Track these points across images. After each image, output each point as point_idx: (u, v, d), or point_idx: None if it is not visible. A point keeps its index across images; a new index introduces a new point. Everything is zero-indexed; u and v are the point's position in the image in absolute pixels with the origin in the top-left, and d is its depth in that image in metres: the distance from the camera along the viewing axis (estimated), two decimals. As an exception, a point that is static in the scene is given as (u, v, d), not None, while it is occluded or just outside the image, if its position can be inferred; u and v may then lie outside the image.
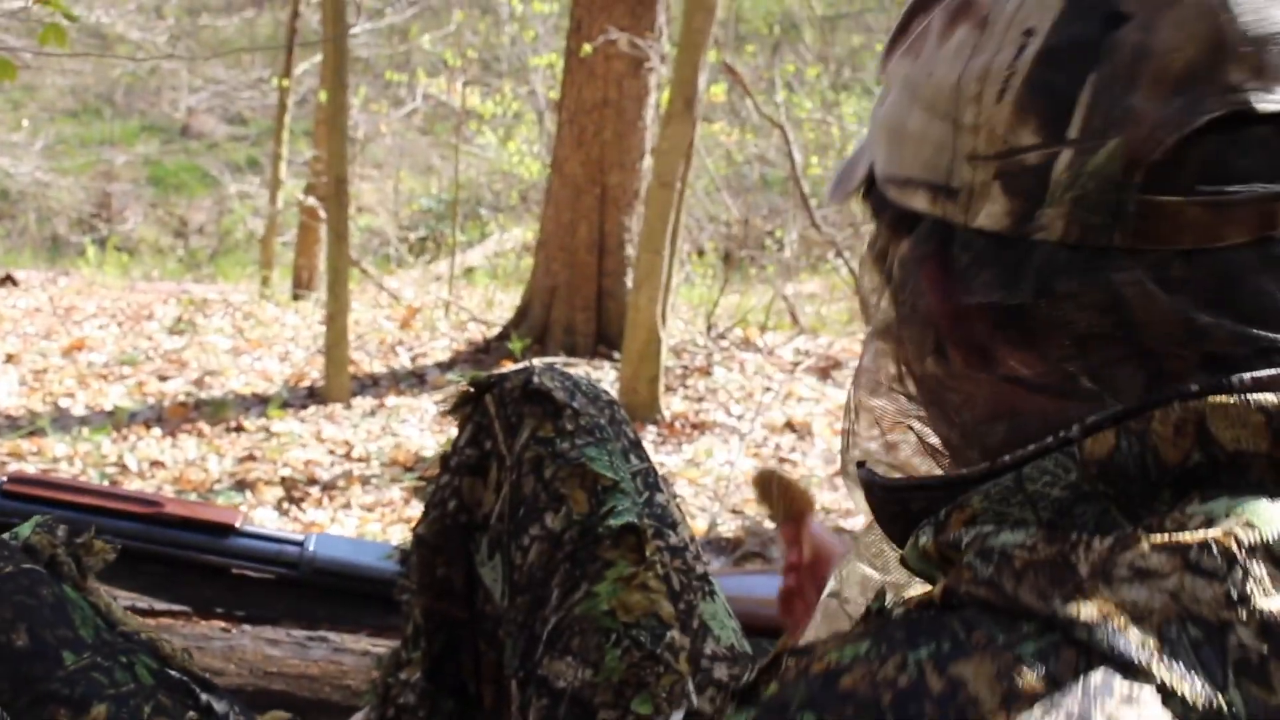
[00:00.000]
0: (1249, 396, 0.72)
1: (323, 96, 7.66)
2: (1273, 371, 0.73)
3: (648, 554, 1.27)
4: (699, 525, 3.78)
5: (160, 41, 12.77)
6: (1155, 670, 0.62)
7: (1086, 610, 0.65)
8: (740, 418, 5.38)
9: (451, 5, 12.75)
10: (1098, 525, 0.71)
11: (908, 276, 0.84)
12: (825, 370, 6.30)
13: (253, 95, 14.69)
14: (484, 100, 11.49)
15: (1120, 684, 0.62)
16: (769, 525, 3.96)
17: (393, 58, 12.68)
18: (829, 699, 0.65)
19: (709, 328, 7.25)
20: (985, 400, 0.82)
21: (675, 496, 1.38)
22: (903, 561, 0.84)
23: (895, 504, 0.84)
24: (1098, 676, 0.62)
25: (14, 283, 7.99)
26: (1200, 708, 0.61)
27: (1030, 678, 0.63)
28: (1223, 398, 0.72)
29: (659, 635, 1.22)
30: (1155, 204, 0.75)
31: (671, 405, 5.47)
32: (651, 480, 1.35)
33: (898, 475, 0.89)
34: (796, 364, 6.42)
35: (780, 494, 1.33)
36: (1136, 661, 0.62)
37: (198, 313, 7.17)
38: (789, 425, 5.26)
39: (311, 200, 8.88)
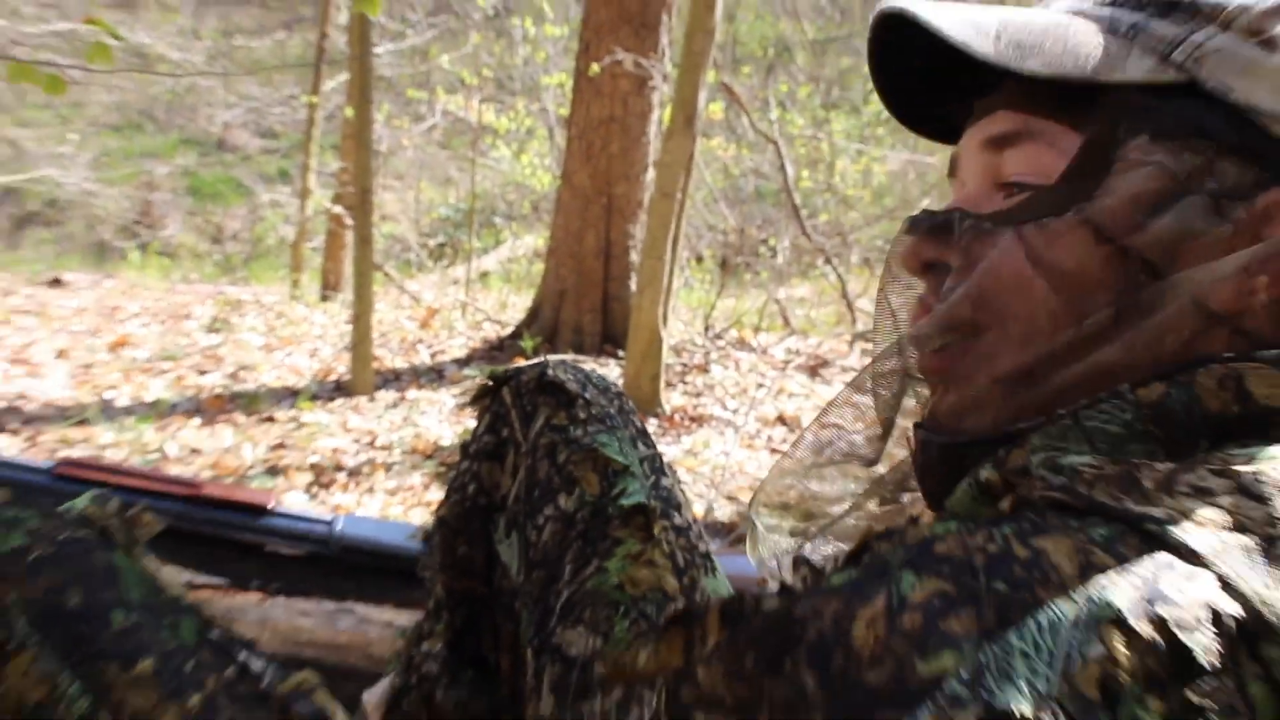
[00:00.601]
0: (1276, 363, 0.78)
1: (349, 112, 7.66)
2: None
3: (655, 533, 1.27)
4: (697, 510, 3.78)
5: (198, 61, 12.77)
6: (1214, 562, 0.65)
7: (1156, 510, 0.68)
8: (735, 412, 5.38)
9: (468, 28, 12.74)
10: (1150, 458, 0.75)
11: (1127, 207, 0.83)
12: (814, 368, 6.30)
13: (284, 111, 14.69)
14: (499, 116, 11.49)
15: (1182, 566, 0.65)
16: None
17: (414, 76, 12.67)
18: (927, 560, 0.68)
19: (706, 328, 7.25)
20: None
21: (679, 481, 1.38)
22: (943, 511, 0.87)
23: (952, 460, 0.87)
24: (1163, 557, 0.65)
25: (63, 284, 7.99)
26: (1255, 601, 0.64)
27: (1102, 555, 0.66)
28: (1258, 364, 0.78)
29: (664, 608, 1.22)
30: None
31: (671, 400, 5.47)
32: (657, 465, 1.35)
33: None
34: (787, 362, 6.42)
35: None
36: (1200, 553, 0.65)
37: (233, 312, 7.17)
38: (780, 419, 5.26)
39: (338, 209, 8.88)
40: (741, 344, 6.87)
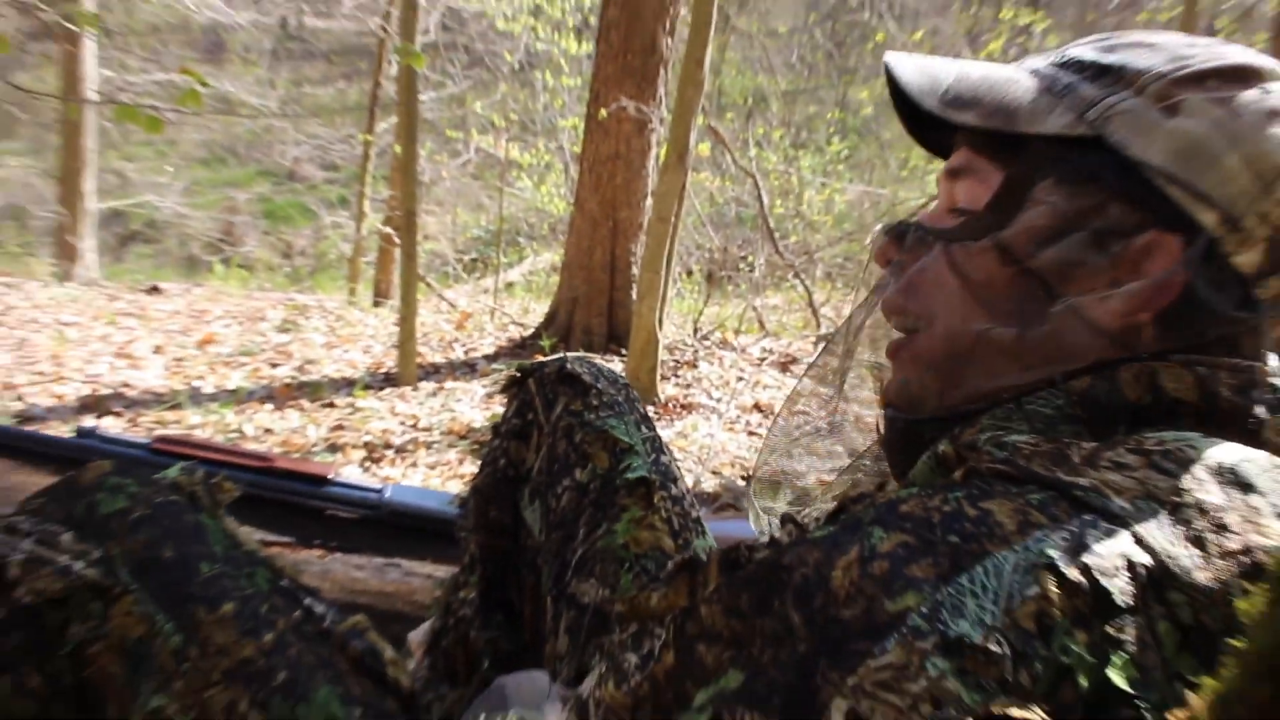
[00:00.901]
0: (1184, 363, 0.80)
1: (397, 149, 7.65)
2: (1193, 356, 0.81)
3: (655, 501, 1.27)
4: (688, 482, 3.77)
5: (273, 105, 12.77)
6: (1130, 522, 0.67)
7: (1082, 480, 0.70)
8: (719, 401, 5.37)
9: (498, 79, 12.74)
10: (1077, 438, 0.76)
11: (1169, 269, 0.84)
12: (785, 364, 6.29)
13: (343, 148, 14.67)
14: (523, 153, 11.49)
15: (1104, 524, 0.67)
16: (740, 483, 3.95)
17: (452, 119, 12.67)
18: (892, 517, 0.69)
19: (695, 331, 7.24)
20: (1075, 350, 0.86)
21: (674, 459, 1.38)
22: (908, 482, 0.87)
23: (913, 434, 0.89)
24: (1088, 518, 0.67)
25: (160, 291, 7.98)
26: (1161, 554, 0.65)
27: (1038, 514, 0.67)
28: (1168, 363, 0.81)
29: (662, 563, 1.22)
30: None
31: (665, 391, 5.46)
32: (657, 445, 1.35)
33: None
34: (762, 359, 6.41)
35: None
36: (1117, 514, 0.67)
37: (300, 315, 7.16)
38: (756, 406, 5.25)
39: (388, 229, 8.88)
40: (724, 344, 6.86)
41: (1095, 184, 0.85)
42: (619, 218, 6.51)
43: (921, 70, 0.93)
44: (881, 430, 0.96)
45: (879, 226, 0.99)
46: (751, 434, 4.75)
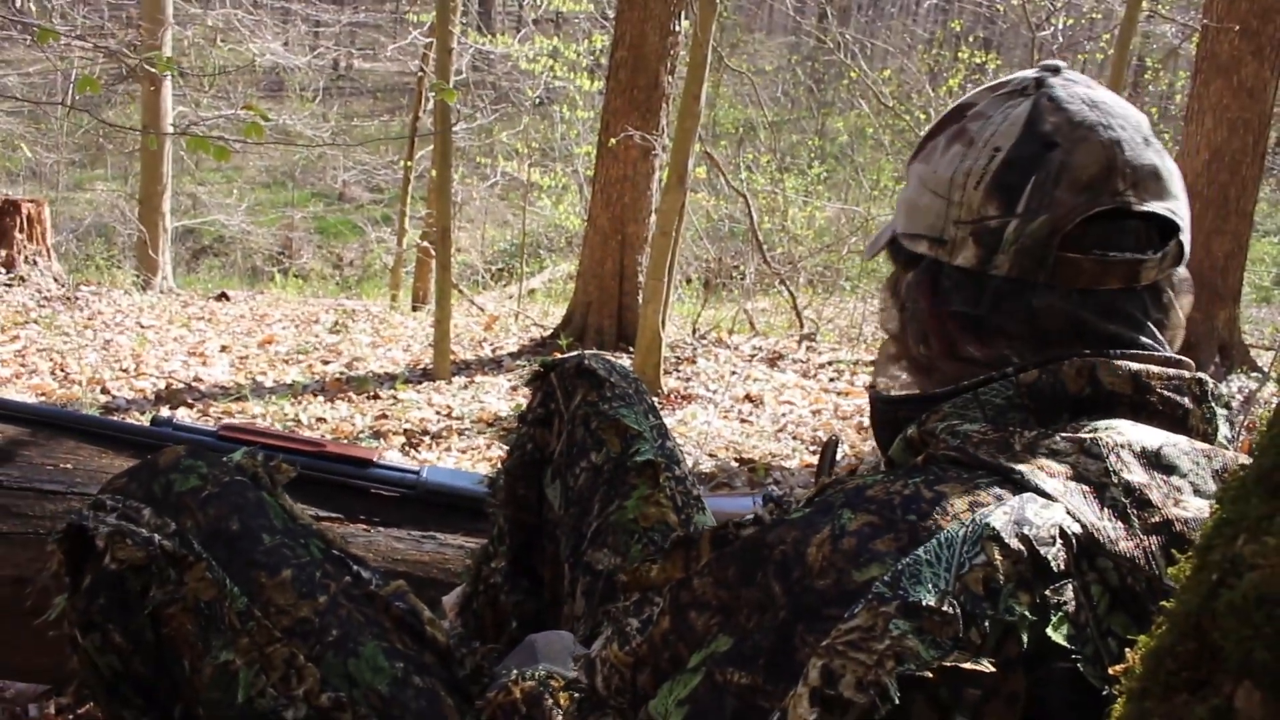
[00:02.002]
0: (1120, 360, 0.81)
1: (434, 173, 7.64)
2: (1128, 351, 0.83)
3: (661, 481, 1.27)
4: (688, 464, 3.76)
5: (325, 136, 12.77)
6: (1063, 499, 0.69)
7: (1020, 466, 0.72)
8: (715, 392, 5.36)
9: (522, 112, 12.74)
10: (1023, 425, 0.79)
11: (911, 295, 0.92)
12: (772, 361, 6.28)
13: (387, 172, 14.68)
14: (543, 176, 11.49)
15: (1041, 500, 0.69)
16: (733, 464, 3.94)
17: (481, 147, 12.66)
18: (859, 500, 0.71)
19: (694, 331, 7.23)
20: (951, 371, 0.89)
21: (677, 443, 1.37)
22: (888, 460, 0.91)
23: (890, 413, 0.91)
24: (1028, 495, 0.69)
25: (227, 298, 7.98)
26: (1089, 526, 0.68)
27: (985, 494, 0.70)
28: (1105, 358, 0.81)
29: (667, 535, 1.22)
30: (1066, 258, 0.84)
31: (668, 383, 5.45)
32: (663, 432, 1.35)
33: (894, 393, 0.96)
34: (753, 356, 6.40)
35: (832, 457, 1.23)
36: (1052, 493, 0.69)
37: (348, 319, 7.16)
38: (748, 397, 5.24)
39: (425, 243, 8.87)
40: (719, 343, 6.85)
41: (893, 255, 0.97)
42: (627, 232, 6.51)
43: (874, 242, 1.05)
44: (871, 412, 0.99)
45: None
46: (744, 421, 4.74)
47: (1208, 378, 0.85)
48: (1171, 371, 0.83)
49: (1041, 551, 0.65)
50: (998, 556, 0.65)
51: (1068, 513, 0.68)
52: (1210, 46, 6.10)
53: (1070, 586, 0.65)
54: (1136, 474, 0.72)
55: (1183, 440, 0.76)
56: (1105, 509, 0.69)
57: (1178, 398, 0.81)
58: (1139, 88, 12.73)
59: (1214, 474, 0.74)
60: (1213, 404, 0.83)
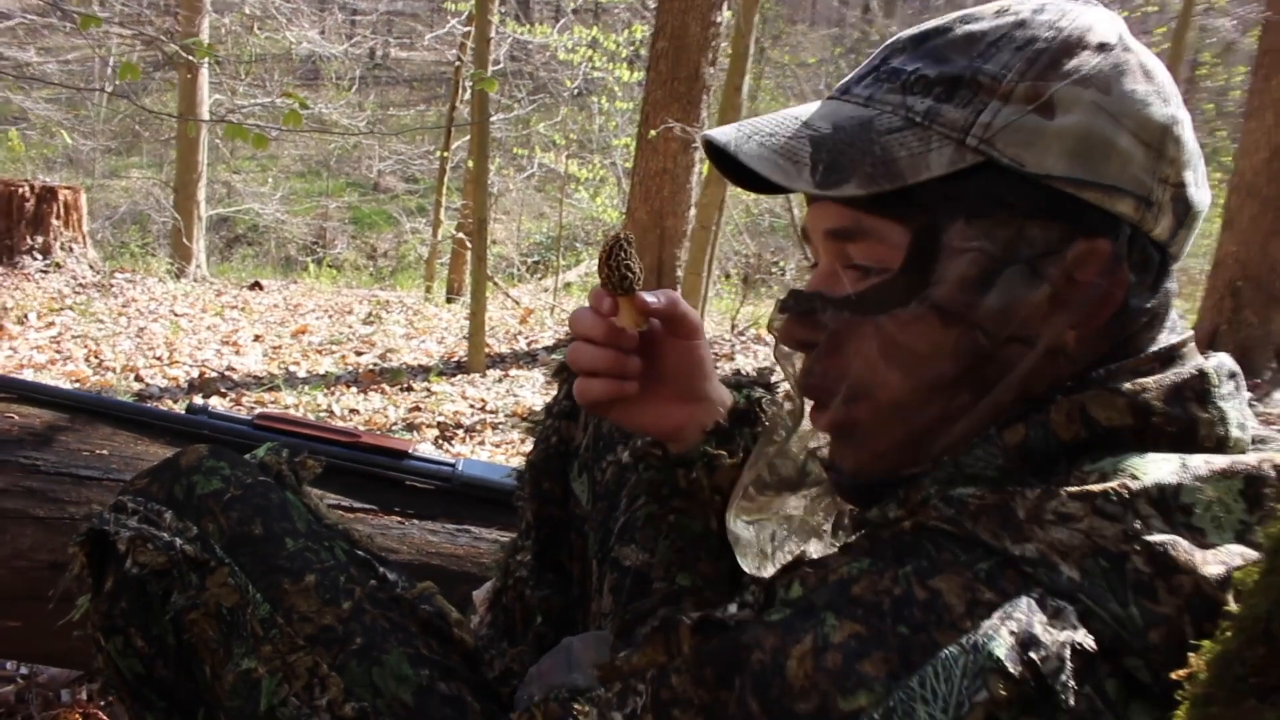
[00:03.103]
0: (1112, 387, 0.72)
1: (470, 164, 7.68)
2: (1124, 365, 0.74)
3: None
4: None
5: (361, 125, 12.86)
6: (1078, 595, 0.62)
7: (1029, 550, 0.64)
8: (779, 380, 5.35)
9: (560, 103, 12.76)
10: (1023, 483, 0.69)
11: (1104, 272, 0.74)
12: (811, 358, 6.26)
13: (423, 162, 14.77)
14: (580, 168, 11.50)
15: (1051, 603, 0.61)
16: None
17: (518, 138, 12.71)
18: (844, 603, 0.65)
19: (733, 327, 7.21)
20: (966, 430, 0.75)
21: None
22: (862, 517, 0.81)
23: (862, 493, 0.82)
24: (1035, 595, 0.62)
25: (261, 287, 8.07)
26: (1111, 625, 0.61)
27: (986, 591, 0.63)
28: (1097, 391, 0.72)
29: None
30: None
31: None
32: None
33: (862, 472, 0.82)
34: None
35: (623, 261, 0.93)
36: (1066, 586, 0.62)
37: (382, 310, 7.21)
38: (787, 396, 5.23)
39: (461, 235, 8.92)
40: (758, 339, 6.83)
41: (1005, 211, 0.73)
42: (665, 226, 6.50)
43: (771, 150, 0.77)
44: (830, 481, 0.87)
45: (776, 303, 0.85)
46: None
47: (1208, 367, 0.75)
48: (1170, 378, 0.74)
49: (1049, 680, 0.59)
50: (1000, 690, 0.59)
51: (1084, 613, 0.61)
52: (1272, 40, 6.01)
53: (1082, 696, 0.60)
54: (1157, 530, 0.64)
55: (1199, 465, 0.68)
56: (1128, 589, 0.62)
57: (1182, 410, 0.72)
58: (1194, 83, 12.53)
59: (1239, 494, 0.67)
60: (1219, 402, 0.74)
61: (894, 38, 0.82)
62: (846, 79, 0.82)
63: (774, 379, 1.18)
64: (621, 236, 0.92)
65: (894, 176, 0.73)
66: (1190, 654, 0.58)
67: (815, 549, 0.96)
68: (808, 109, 0.81)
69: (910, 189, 0.73)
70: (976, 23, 0.77)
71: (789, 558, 0.93)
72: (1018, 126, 0.72)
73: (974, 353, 0.74)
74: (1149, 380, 0.73)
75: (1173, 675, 0.59)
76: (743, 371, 1.21)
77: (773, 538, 0.98)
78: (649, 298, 0.96)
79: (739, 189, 0.98)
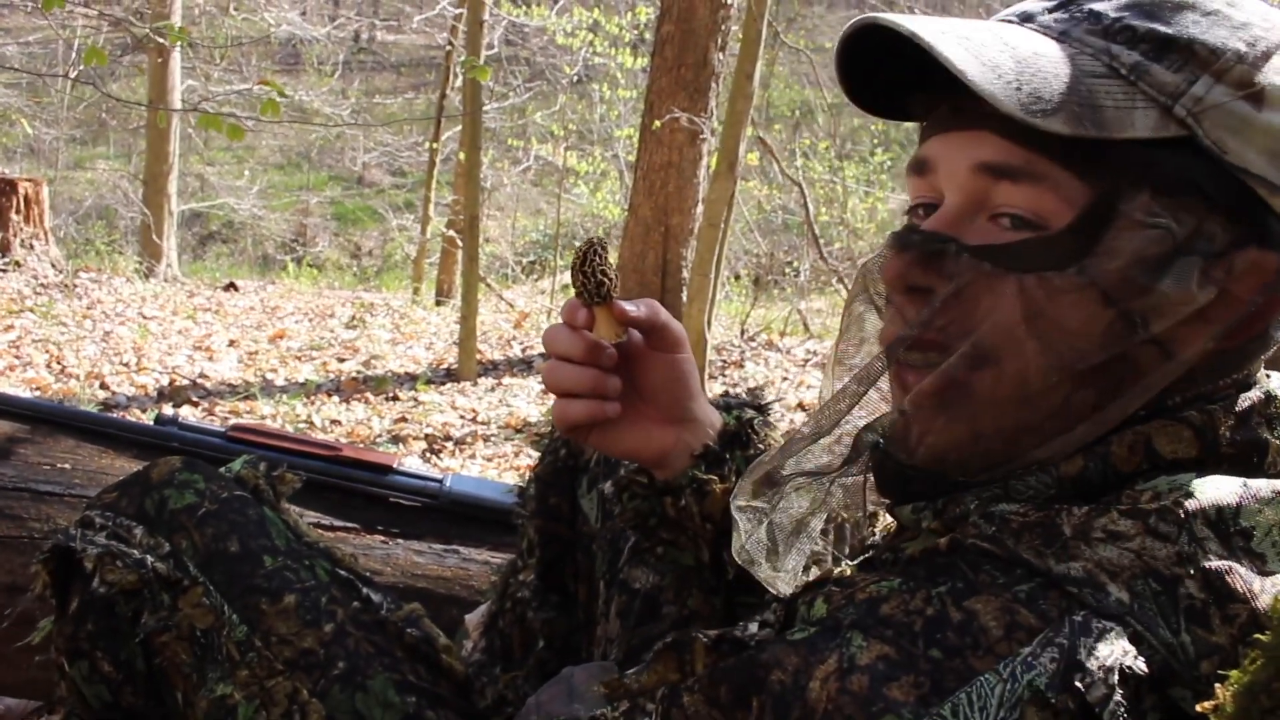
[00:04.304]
0: (1181, 419, 0.71)
1: (461, 156, 7.69)
2: (1199, 392, 0.73)
3: None
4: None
5: (345, 114, 12.88)
6: (1127, 618, 0.61)
7: (1075, 568, 0.63)
8: (775, 400, 5.35)
9: (558, 90, 12.78)
10: (1071, 502, 0.68)
11: (1265, 289, 0.72)
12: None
13: (410, 154, 14.76)
14: (580, 161, 11.52)
15: (1097, 625, 0.60)
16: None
17: (513, 128, 12.72)
18: (872, 622, 0.64)
19: (742, 332, 7.22)
20: (1065, 444, 0.73)
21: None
22: (892, 511, 0.81)
23: (901, 480, 0.79)
24: (1079, 618, 0.60)
25: (236, 288, 8.08)
26: (1161, 651, 0.60)
27: (1026, 613, 0.61)
28: (1162, 421, 0.71)
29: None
30: None
31: (713, 390, 5.45)
32: None
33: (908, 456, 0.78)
34: (806, 360, 6.38)
35: (598, 268, 0.92)
36: (1114, 609, 0.61)
37: (366, 313, 7.22)
38: (800, 406, 5.23)
39: (451, 232, 8.93)
40: (770, 345, 6.84)
41: (1195, 195, 0.70)
42: (671, 223, 6.51)
43: (971, 54, 0.71)
44: (865, 458, 0.83)
45: (889, 239, 0.79)
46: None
47: (1277, 391, 0.75)
48: (1240, 403, 0.73)
49: (1096, 710, 0.57)
50: None
51: (1134, 637, 0.60)
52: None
53: None
54: (1214, 554, 0.63)
55: (1263, 487, 0.67)
56: (1180, 615, 0.61)
57: (1250, 435, 0.72)
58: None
59: None
60: None
61: None
62: (1021, 7, 0.79)
63: (766, 399, 1.16)
64: (594, 241, 0.91)
65: (1100, 125, 0.69)
66: (1217, 685, 0.57)
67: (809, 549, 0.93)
68: (975, 23, 0.76)
69: (1104, 143, 0.70)
70: None
71: (802, 557, 0.92)
72: (1229, 110, 0.70)
73: (1119, 344, 0.71)
74: (1220, 408, 0.72)
75: (1198, 707, 0.58)
76: (731, 391, 1.20)
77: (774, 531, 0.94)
78: (628, 306, 0.95)
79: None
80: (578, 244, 1.00)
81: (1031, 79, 0.70)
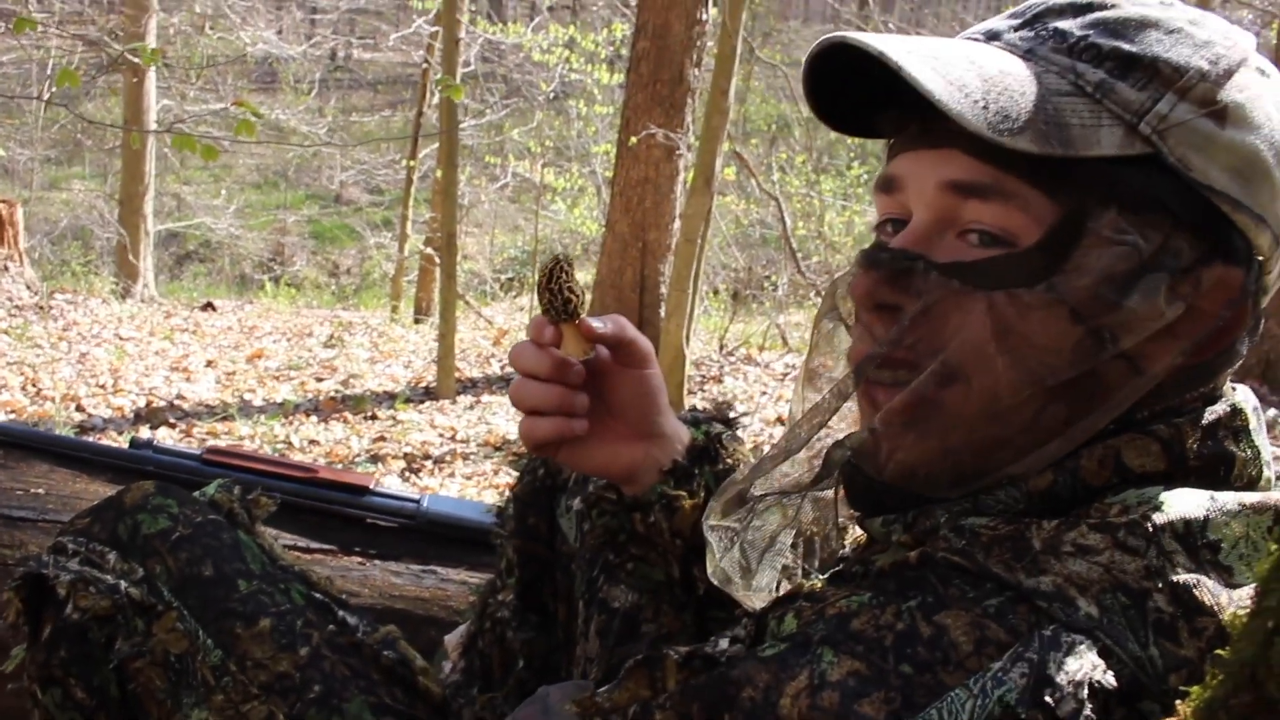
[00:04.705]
0: (1149, 433, 0.72)
1: (439, 173, 7.69)
2: (1167, 407, 0.74)
3: None
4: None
5: (321, 133, 12.87)
6: (1096, 632, 0.61)
7: (1044, 582, 0.63)
8: (743, 414, 5.36)
9: (535, 107, 12.79)
10: (1040, 516, 0.69)
11: (1231, 304, 0.73)
12: (807, 379, 6.28)
13: (388, 172, 14.76)
14: (557, 177, 11.53)
15: (1066, 638, 0.60)
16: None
17: (490, 145, 12.73)
18: (843, 638, 0.64)
19: (721, 347, 7.23)
20: (1029, 464, 0.74)
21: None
22: (862, 524, 0.82)
23: (871, 494, 0.79)
24: (1048, 632, 0.61)
25: (214, 308, 8.04)
26: (1130, 665, 0.61)
27: (995, 628, 0.62)
28: (1130, 435, 0.72)
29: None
30: None
31: (692, 404, 5.46)
32: None
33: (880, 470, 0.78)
34: (785, 375, 6.40)
35: (564, 285, 0.92)
36: (1083, 623, 0.61)
37: (345, 332, 7.20)
38: (779, 420, 5.24)
39: (429, 250, 8.92)
40: (749, 360, 6.85)
41: (1160, 212, 0.71)
42: (648, 239, 6.53)
43: (939, 73, 0.71)
44: (834, 471, 0.82)
45: (857, 257, 0.79)
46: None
47: (1241, 403, 0.77)
48: (1207, 416, 0.74)
49: None
50: None
51: (1103, 652, 0.60)
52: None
53: None
54: (1182, 568, 0.63)
55: (1230, 500, 0.68)
56: (1149, 628, 0.62)
57: (1217, 447, 0.73)
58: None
59: (1269, 531, 0.67)
60: (1254, 439, 0.75)
61: None
62: (987, 25, 0.79)
63: (734, 413, 1.17)
64: (560, 258, 0.91)
65: (1067, 143, 0.70)
66: (1178, 701, 0.58)
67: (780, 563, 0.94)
68: (942, 42, 0.77)
69: (1071, 161, 0.70)
70: (1144, 6, 0.75)
71: (775, 572, 0.92)
72: (1192, 127, 0.71)
73: (1089, 360, 0.71)
74: (1186, 421, 0.73)
75: None
76: (699, 406, 1.20)
77: (746, 548, 0.94)
78: (594, 323, 0.95)
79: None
80: (542, 261, 1.00)
81: (999, 98, 0.70)
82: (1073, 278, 0.71)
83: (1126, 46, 0.72)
